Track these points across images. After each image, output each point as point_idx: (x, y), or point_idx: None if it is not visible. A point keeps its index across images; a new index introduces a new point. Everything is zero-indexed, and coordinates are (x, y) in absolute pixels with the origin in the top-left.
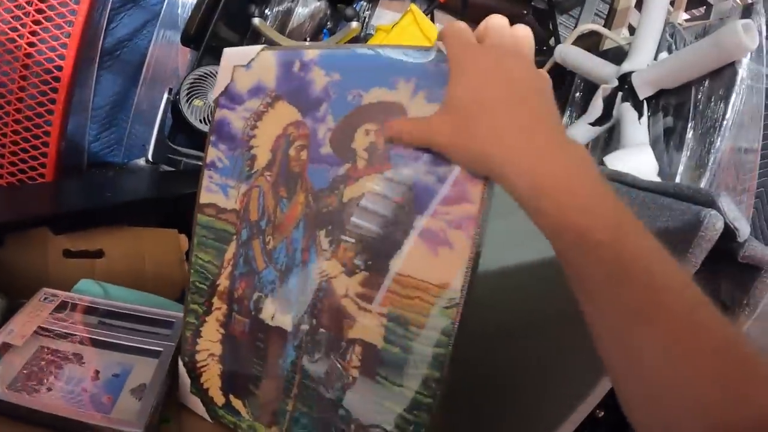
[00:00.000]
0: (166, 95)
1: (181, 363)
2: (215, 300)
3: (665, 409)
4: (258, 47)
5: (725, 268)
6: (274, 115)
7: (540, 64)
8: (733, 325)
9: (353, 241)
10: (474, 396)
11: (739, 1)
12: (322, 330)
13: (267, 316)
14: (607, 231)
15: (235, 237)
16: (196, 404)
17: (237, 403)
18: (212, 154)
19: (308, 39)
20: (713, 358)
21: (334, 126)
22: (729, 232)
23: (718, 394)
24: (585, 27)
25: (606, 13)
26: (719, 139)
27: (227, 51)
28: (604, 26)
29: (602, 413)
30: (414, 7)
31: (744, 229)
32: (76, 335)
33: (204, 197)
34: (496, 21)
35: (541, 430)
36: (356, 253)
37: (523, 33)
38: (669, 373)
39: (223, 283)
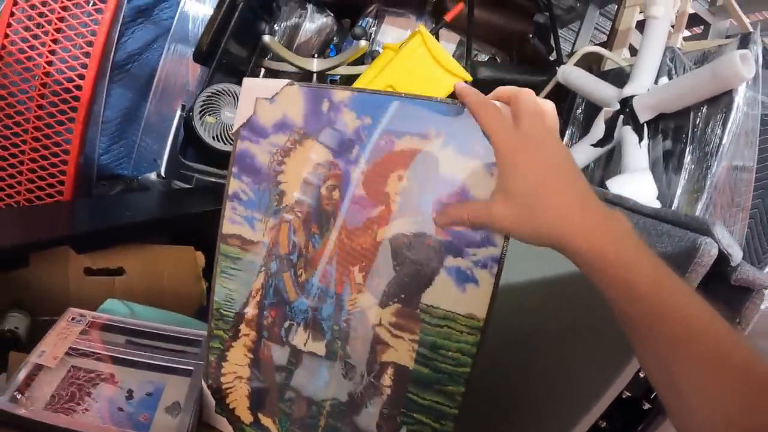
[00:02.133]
0: (179, 112)
1: (204, 385)
2: (242, 327)
3: (697, 421)
4: (282, 82)
5: (718, 289)
6: (303, 152)
7: (542, 83)
8: (754, 348)
9: (387, 277)
10: (482, 403)
11: (734, 22)
12: (355, 354)
13: (299, 343)
14: (648, 285)
15: (263, 268)
16: (223, 423)
17: (267, 421)
18: (235, 185)
19: (315, 55)
20: (735, 379)
21: (366, 169)
22: (723, 258)
23: (740, 407)
24: (588, 49)
25: (605, 27)
26: (716, 162)
27: (248, 82)
28: (605, 46)
29: (605, 424)
30: (422, 28)
31: (737, 254)
32: (106, 355)
33: (227, 228)
34: (528, 100)
35: None
36: (389, 288)
37: (552, 113)
38: (699, 392)
39: (251, 311)
